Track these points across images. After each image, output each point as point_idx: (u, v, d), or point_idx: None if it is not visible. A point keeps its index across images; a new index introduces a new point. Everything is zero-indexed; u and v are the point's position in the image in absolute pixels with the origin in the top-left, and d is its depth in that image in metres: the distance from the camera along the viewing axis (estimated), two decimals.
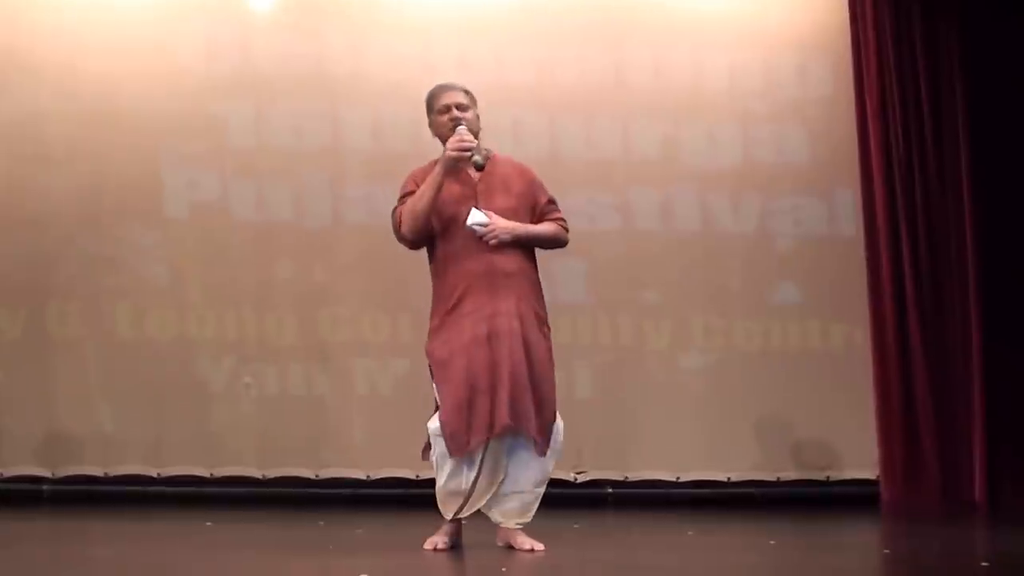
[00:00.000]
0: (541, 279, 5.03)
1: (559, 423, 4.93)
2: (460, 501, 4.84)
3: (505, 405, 4.74)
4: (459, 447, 4.78)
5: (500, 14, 7.33)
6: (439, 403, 4.86)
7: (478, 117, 5.00)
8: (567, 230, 5.09)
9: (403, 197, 4.97)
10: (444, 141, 4.94)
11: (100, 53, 7.11)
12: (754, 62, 7.47)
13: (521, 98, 7.21)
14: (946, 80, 7.27)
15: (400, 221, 4.94)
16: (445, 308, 4.88)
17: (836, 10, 7.46)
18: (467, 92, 5.02)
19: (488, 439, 4.77)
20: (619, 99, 7.35)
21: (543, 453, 4.85)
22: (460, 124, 4.89)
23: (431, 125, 5.04)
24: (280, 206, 7.17)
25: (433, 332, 4.93)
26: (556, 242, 5.08)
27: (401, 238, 4.98)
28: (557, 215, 5.07)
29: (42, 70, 7.09)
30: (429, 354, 4.92)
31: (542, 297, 5.00)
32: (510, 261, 4.89)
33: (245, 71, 7.19)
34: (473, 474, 4.82)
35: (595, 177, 7.28)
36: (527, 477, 4.88)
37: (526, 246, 4.97)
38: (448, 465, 4.83)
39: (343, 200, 7.09)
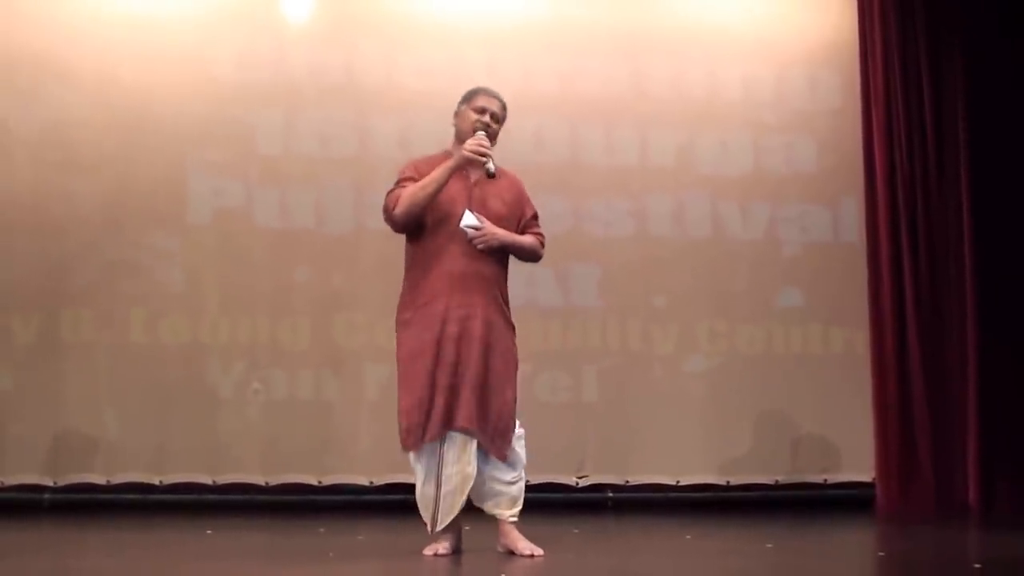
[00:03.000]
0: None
1: (519, 431, 4.85)
2: (432, 508, 4.76)
3: (464, 407, 4.70)
4: (414, 442, 4.73)
5: (526, 27, 7.27)
6: (399, 397, 4.79)
7: (497, 134, 4.97)
8: (543, 245, 5.06)
9: (401, 181, 4.90)
10: (460, 134, 4.93)
11: (134, 62, 6.99)
12: (767, 75, 7.44)
13: (545, 106, 7.16)
14: (949, 95, 7.23)
15: (395, 203, 4.83)
16: (419, 302, 4.82)
17: (846, 27, 7.42)
18: (504, 108, 5.00)
19: (443, 436, 4.71)
20: (638, 109, 7.30)
21: (503, 458, 4.80)
22: (484, 130, 4.87)
23: (457, 115, 5.00)
24: (303, 213, 7.02)
25: (404, 324, 4.85)
26: (533, 255, 5.03)
27: (391, 218, 4.88)
28: (538, 230, 5.04)
29: (76, 77, 6.96)
30: (400, 345, 4.85)
31: (508, 303, 4.94)
32: (488, 266, 4.86)
33: (276, 81, 7.08)
34: (435, 478, 4.74)
35: (613, 183, 7.24)
36: (503, 475, 4.82)
37: (505, 254, 4.94)
38: (421, 470, 4.78)
39: (367, 207, 6.89)
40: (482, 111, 4.93)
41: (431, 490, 4.76)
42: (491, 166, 4.81)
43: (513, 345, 4.90)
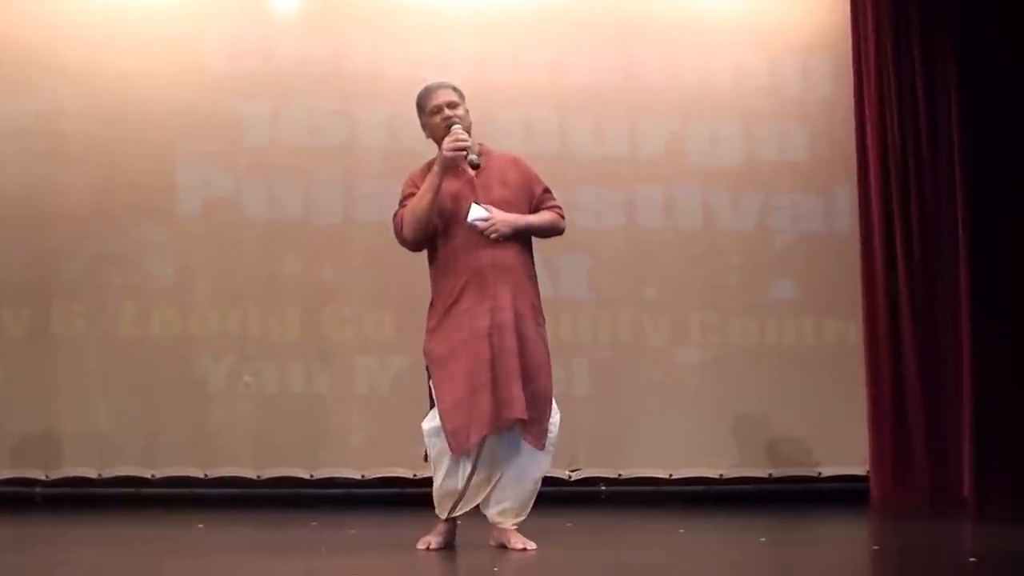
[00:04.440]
0: (541, 273, 4.94)
1: (556, 417, 4.79)
2: (455, 499, 4.73)
3: (509, 400, 4.62)
4: (460, 444, 4.65)
5: (515, 16, 7.18)
6: (437, 401, 4.71)
7: (468, 112, 4.86)
8: (563, 217, 4.94)
9: (403, 200, 4.84)
10: (438, 141, 4.81)
11: (121, 52, 6.91)
12: (758, 63, 7.33)
13: (534, 96, 7.08)
14: (942, 82, 7.12)
15: (402, 224, 4.80)
16: (444, 305, 4.75)
17: (838, 14, 7.32)
18: (456, 89, 4.89)
19: (487, 435, 4.64)
20: (628, 98, 7.19)
21: (541, 447, 4.74)
22: (454, 123, 4.75)
23: (424, 127, 4.91)
24: (292, 204, 6.95)
25: (431, 331, 4.79)
26: (554, 230, 4.93)
27: (403, 241, 4.84)
28: (554, 203, 4.93)
29: (63, 69, 6.88)
30: (427, 353, 4.78)
31: (538, 290, 4.87)
32: (509, 255, 4.77)
33: (264, 70, 7.00)
34: (468, 470, 4.70)
35: (603, 174, 7.14)
36: (526, 474, 4.76)
37: (525, 238, 4.84)
38: (445, 463, 4.71)
39: (355, 198, 6.87)
40: (439, 109, 4.83)
41: (456, 483, 4.71)
42: (473, 157, 4.74)
43: (544, 332, 4.82)
